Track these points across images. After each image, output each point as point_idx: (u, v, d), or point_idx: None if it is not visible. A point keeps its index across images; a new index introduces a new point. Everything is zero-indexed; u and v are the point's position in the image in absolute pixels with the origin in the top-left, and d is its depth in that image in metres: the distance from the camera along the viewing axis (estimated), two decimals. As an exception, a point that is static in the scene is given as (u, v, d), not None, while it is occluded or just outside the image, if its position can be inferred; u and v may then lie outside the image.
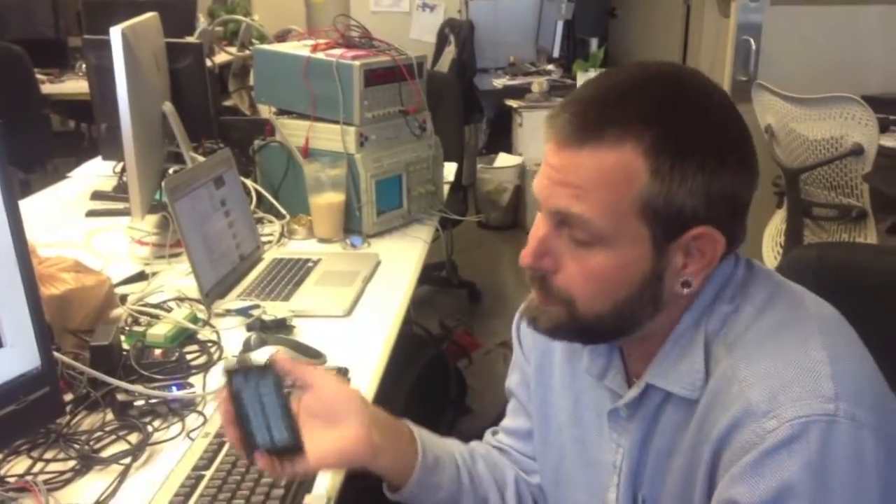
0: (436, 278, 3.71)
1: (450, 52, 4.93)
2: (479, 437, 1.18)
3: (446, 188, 2.35)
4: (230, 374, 0.91)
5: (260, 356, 1.34)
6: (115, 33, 1.69)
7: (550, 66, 5.36)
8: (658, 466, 0.90)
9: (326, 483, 1.06)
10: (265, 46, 2.13)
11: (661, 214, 0.79)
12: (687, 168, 0.78)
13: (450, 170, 2.48)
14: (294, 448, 0.89)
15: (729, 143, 0.81)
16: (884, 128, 2.78)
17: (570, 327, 0.86)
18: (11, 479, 1.04)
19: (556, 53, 5.36)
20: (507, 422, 1.15)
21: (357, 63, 1.89)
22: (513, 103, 4.77)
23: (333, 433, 0.92)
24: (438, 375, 2.28)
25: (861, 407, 0.76)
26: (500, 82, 5.06)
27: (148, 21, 1.99)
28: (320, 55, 1.96)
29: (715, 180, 0.79)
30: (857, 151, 2.52)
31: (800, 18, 3.37)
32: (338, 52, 1.97)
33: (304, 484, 1.03)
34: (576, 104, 0.81)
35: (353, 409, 0.94)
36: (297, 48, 2.04)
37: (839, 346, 0.81)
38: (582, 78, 4.72)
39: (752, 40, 3.17)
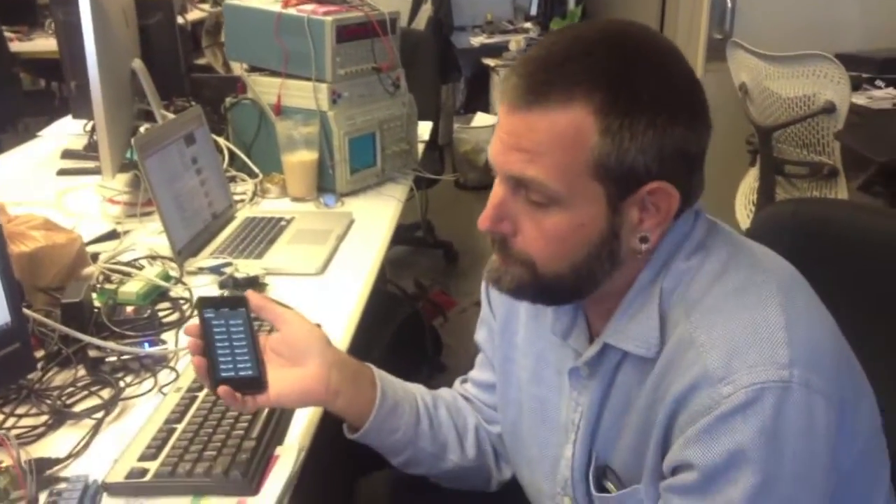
0: (412, 238, 3.71)
1: (426, 9, 4.87)
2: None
3: (421, 147, 2.34)
4: (201, 305, 0.94)
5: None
6: (82, -12, 1.66)
7: (528, 24, 5.33)
8: (613, 423, 0.91)
9: (298, 435, 1.07)
10: (236, 2, 2.09)
11: (614, 172, 0.80)
12: (637, 125, 0.78)
13: (424, 129, 2.48)
14: (257, 382, 0.93)
15: (679, 99, 0.81)
16: (856, 86, 2.81)
17: (531, 287, 0.87)
18: (-17, 434, 1.05)
19: (533, 11, 5.32)
20: (474, 373, 1.17)
21: (329, 18, 1.88)
22: (490, 62, 4.75)
23: (295, 372, 0.96)
24: (414, 334, 2.30)
25: (816, 373, 0.78)
26: (477, 41, 5.03)
27: (116, -24, 1.96)
28: (291, 11, 1.94)
29: (666, 136, 0.79)
30: (829, 109, 2.54)
31: (776, -24, 3.37)
32: (309, 7, 1.94)
33: (276, 436, 1.04)
34: (524, 66, 0.81)
35: (316, 351, 0.97)
36: (269, 3, 2.01)
37: (797, 309, 0.82)
38: (559, 36, 4.71)
39: (727, -2, 3.18)
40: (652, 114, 0.78)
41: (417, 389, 1.12)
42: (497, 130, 0.84)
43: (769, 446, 0.76)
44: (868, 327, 1.01)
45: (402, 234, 3.60)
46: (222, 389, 0.93)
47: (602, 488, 0.93)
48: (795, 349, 0.78)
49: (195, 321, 0.97)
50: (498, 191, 0.85)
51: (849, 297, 1.02)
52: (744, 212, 3.10)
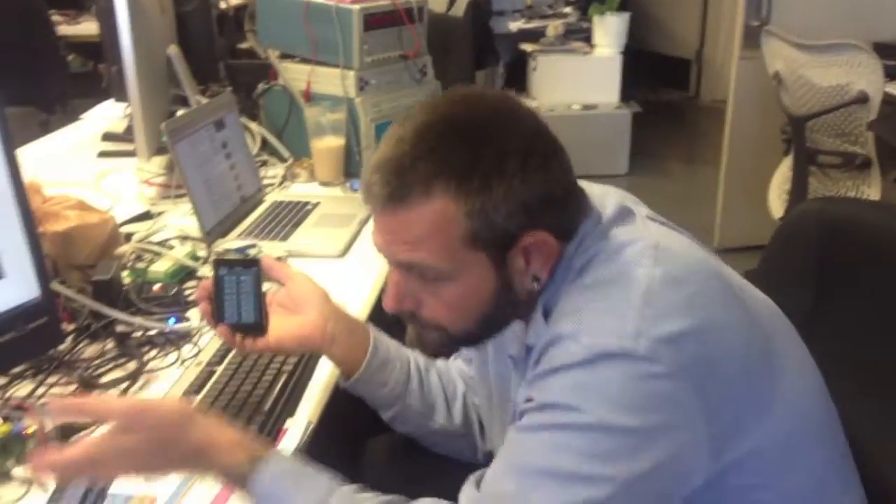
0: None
1: (466, -6, 4.89)
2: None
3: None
4: (217, 264, 1.05)
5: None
6: (118, -24, 1.73)
7: (567, 9, 5.30)
8: None
9: (308, 409, 1.12)
10: (268, -10, 2.15)
11: (488, 240, 0.87)
12: (495, 197, 0.85)
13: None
14: (257, 326, 1.05)
15: (526, 154, 0.86)
16: (893, 76, 2.76)
17: (449, 344, 0.98)
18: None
19: (572, -6, 5.29)
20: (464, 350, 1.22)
21: (356, 7, 1.92)
22: (527, 47, 4.75)
23: (295, 319, 1.07)
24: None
25: (667, 347, 0.80)
26: (515, 25, 5.01)
27: (153, -36, 2.02)
28: (321, -1, 1.99)
29: (526, 192, 0.85)
30: (863, 99, 2.51)
31: (816, -38, 3.32)
32: (339, -5, 1.99)
33: (286, 410, 1.10)
34: (379, 172, 0.87)
35: (316, 302, 1.08)
36: (299, -9, 2.06)
37: (668, 295, 0.84)
38: (598, 22, 4.69)
39: (764, -15, 3.14)
40: (505, 182, 0.85)
41: (412, 353, 1.18)
42: (375, 225, 0.91)
43: (587, 408, 0.79)
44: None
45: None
46: (220, 329, 1.05)
47: None
48: (648, 324, 0.81)
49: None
50: (394, 275, 0.93)
51: (875, 297, 1.03)
52: (777, 202, 3.08)
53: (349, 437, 1.22)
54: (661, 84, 6.39)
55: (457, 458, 1.19)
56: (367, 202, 0.90)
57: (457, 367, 1.22)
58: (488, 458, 1.16)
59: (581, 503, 0.79)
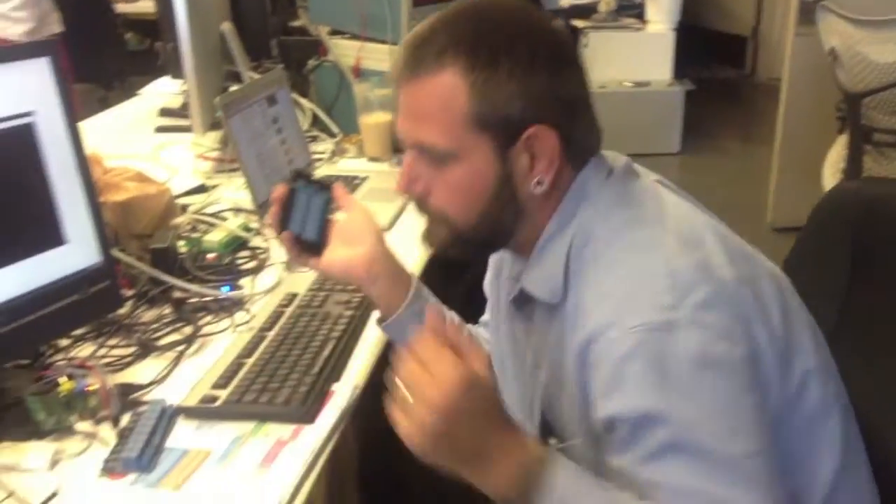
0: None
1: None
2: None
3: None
4: (296, 175, 1.11)
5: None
6: (174, -46, 1.78)
7: (620, -15, 5.23)
8: (553, 379, 0.95)
9: (354, 374, 1.17)
10: (319, -33, 2.18)
11: (491, 122, 0.89)
12: (499, 76, 0.87)
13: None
14: (315, 245, 1.09)
15: (536, 46, 0.89)
16: (954, 51, 2.68)
17: (452, 242, 0.97)
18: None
19: (625, -29, 5.22)
20: (485, 316, 1.25)
21: (406, -17, 1.94)
22: (579, 23, 4.71)
23: (346, 250, 1.10)
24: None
25: (708, 315, 0.81)
26: (566, 1, 4.97)
27: (208, -58, 2.07)
28: (371, -25, 2.01)
29: (529, 82, 0.88)
30: (922, 75, 2.45)
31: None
32: (388, -29, 2.01)
33: (334, 373, 1.14)
34: (403, 46, 0.92)
35: (369, 239, 1.11)
36: (350, -32, 2.09)
37: (690, 260, 0.85)
38: (651, -4, 4.63)
39: (822, -41, 3.06)
40: (510, 64, 0.87)
41: (449, 312, 1.21)
42: (397, 105, 0.94)
43: (668, 381, 0.79)
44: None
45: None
46: (285, 234, 1.08)
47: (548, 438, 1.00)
48: (682, 296, 0.82)
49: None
50: (407, 157, 0.95)
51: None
52: (832, 181, 3.02)
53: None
54: (717, 61, 6.29)
55: None
56: (392, 82, 0.94)
57: (483, 332, 1.24)
58: None
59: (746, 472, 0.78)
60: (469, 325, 1.24)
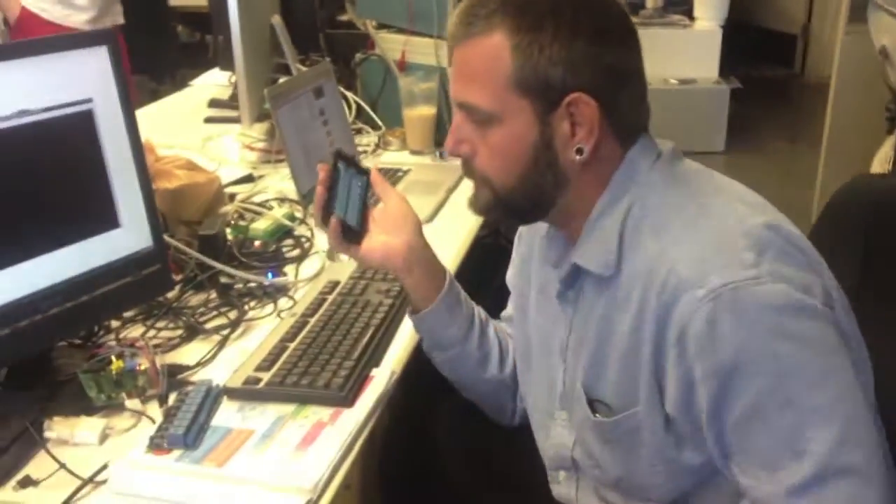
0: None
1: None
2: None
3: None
4: (337, 155, 1.14)
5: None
6: (226, -50, 1.82)
7: (669, -18, 5.19)
8: (598, 352, 0.98)
9: (392, 360, 1.19)
10: (367, -38, 2.21)
11: (533, 86, 0.91)
12: (543, 40, 0.90)
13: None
14: (355, 234, 1.11)
15: (582, 13, 0.91)
16: None
17: (494, 205, 0.99)
18: (130, 341, 1.23)
19: (673, -34, 5.17)
20: (506, 311, 1.26)
21: (453, -23, 1.96)
22: (625, 20, 4.68)
23: (383, 238, 1.12)
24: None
25: (787, 270, 0.85)
26: (613, -1, 4.94)
27: (259, -63, 2.11)
28: (419, -31, 2.03)
29: (572, 48, 0.90)
30: (975, 76, 2.40)
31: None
32: (436, -34, 2.03)
33: (373, 359, 1.17)
34: (460, 6, 0.95)
35: (407, 230, 1.13)
36: (399, -37, 2.12)
37: (761, 220, 0.89)
38: (698, -7, 4.58)
39: (875, -45, 3.00)
40: (553, 28, 0.90)
41: (477, 307, 1.23)
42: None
43: (761, 334, 0.83)
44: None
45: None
46: (333, 220, 1.10)
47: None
48: (761, 252, 0.85)
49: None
50: (456, 118, 0.98)
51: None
52: (880, 182, 2.98)
53: (425, 393, 1.28)
54: (765, 60, 6.20)
55: (493, 418, 1.24)
56: (449, 42, 0.97)
57: (506, 328, 1.26)
58: (522, 417, 1.20)
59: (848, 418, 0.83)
60: (495, 321, 1.26)
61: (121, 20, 3.21)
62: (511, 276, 1.22)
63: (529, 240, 1.15)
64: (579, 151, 0.93)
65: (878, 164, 2.96)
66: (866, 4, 2.85)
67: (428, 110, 2.02)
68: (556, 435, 1.07)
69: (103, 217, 1.14)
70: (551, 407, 1.07)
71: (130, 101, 1.14)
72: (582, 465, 1.05)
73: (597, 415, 0.99)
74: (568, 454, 1.06)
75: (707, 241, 0.88)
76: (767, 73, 6.17)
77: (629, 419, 0.95)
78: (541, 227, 1.09)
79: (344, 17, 3.97)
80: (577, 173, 0.95)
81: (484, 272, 2.33)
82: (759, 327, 0.83)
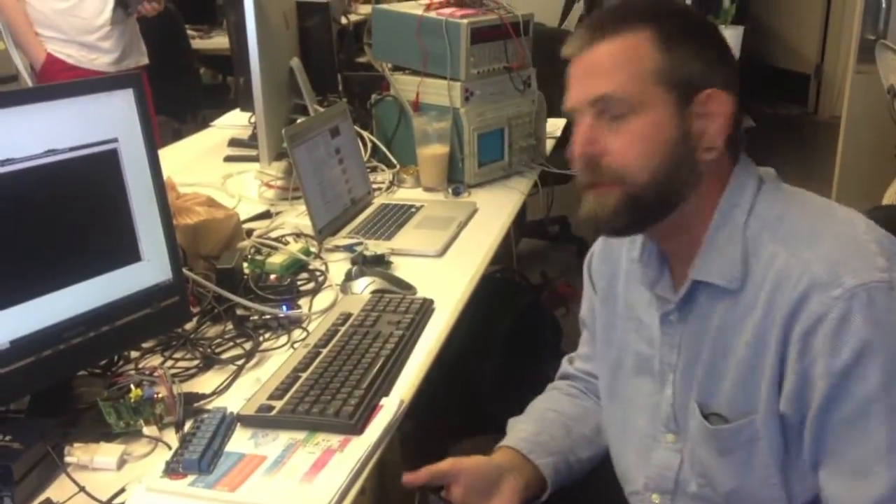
0: (546, 232, 3.81)
1: (578, 8, 4.95)
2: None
3: (551, 143, 2.45)
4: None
5: (359, 286, 1.53)
6: (248, -5, 1.89)
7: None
8: (713, 365, 1.00)
9: (401, 390, 1.23)
10: (383, 6, 2.29)
11: (674, 80, 0.96)
12: (682, 42, 0.97)
13: (557, 125, 2.58)
14: None
15: (704, 28, 1.01)
16: None
17: (623, 206, 0.98)
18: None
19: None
20: (580, 349, 1.31)
21: (465, 21, 2.02)
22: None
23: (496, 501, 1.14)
24: (535, 321, 2.41)
25: None
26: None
27: (280, -17, 2.19)
28: (432, 14, 2.10)
29: (705, 45, 0.98)
30: (983, 114, 2.43)
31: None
32: (448, 10, 2.10)
33: (383, 388, 1.20)
34: (588, 20, 1.03)
35: (498, 483, 1.15)
36: (413, 7, 2.19)
37: (879, 231, 0.95)
38: (712, 35, 4.64)
39: (883, -3, 3.06)
40: (689, 35, 0.98)
41: (543, 413, 1.27)
42: (571, 84, 1.00)
43: (888, 337, 0.86)
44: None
45: (536, 229, 3.70)
46: None
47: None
48: (890, 259, 0.90)
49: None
50: (583, 123, 0.99)
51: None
52: (892, 219, 2.99)
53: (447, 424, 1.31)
54: (778, 98, 6.24)
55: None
56: (569, 51, 1.00)
57: (563, 386, 1.31)
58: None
59: None
60: (553, 393, 1.31)
61: (145, 60, 3.28)
62: (588, 311, 1.26)
63: (609, 270, 1.18)
64: (709, 149, 0.98)
65: (889, 198, 2.98)
66: (874, 45, 2.90)
67: (441, 149, 2.08)
68: (658, 458, 1.09)
69: (126, 251, 1.19)
70: (654, 430, 1.09)
71: (154, 141, 1.20)
72: (685, 486, 1.06)
73: (713, 425, 1.01)
74: (672, 476, 1.07)
75: (840, 244, 0.92)
76: (781, 111, 6.21)
77: (747, 427, 0.97)
78: (619, 254, 1.14)
79: (362, 60, 4.08)
80: (702, 176, 0.99)
81: (498, 305, 2.38)
82: (888, 330, 0.86)
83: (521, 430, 1.23)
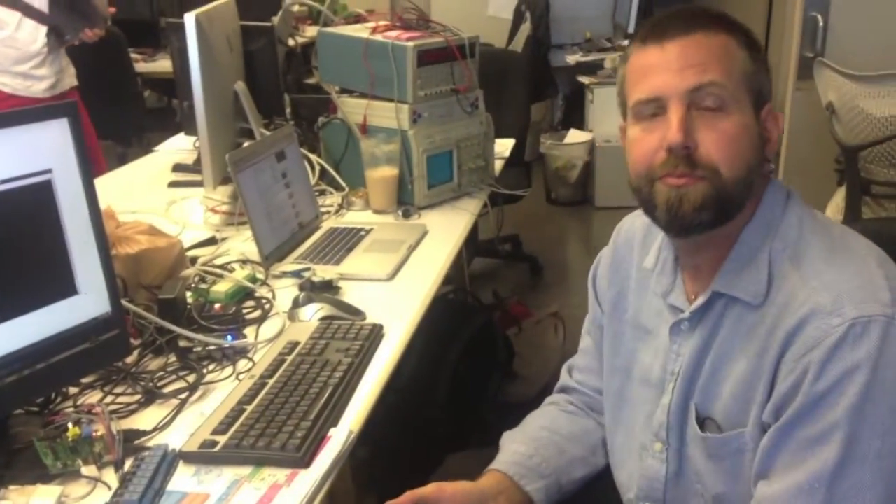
0: (497, 251, 3.82)
1: (525, 28, 5.00)
2: (526, 401, 1.33)
3: (500, 164, 2.46)
4: None
5: (307, 313, 1.51)
6: (189, 19, 1.86)
7: (626, 42, 5.35)
8: (714, 373, 1.02)
9: (350, 419, 1.20)
10: (329, 29, 2.27)
11: (754, 88, 0.99)
12: (758, 54, 1.01)
13: (505, 146, 2.59)
14: None
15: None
16: (949, 106, 2.74)
17: (712, 198, 0.97)
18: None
19: (631, 29, 5.34)
20: (581, 360, 1.31)
21: (411, 44, 2.02)
22: (584, 80, 4.81)
23: None
24: (487, 341, 2.40)
25: None
26: (573, 59, 5.09)
27: (223, 6, 2.17)
28: (378, 37, 2.09)
29: (764, 64, 1.01)
30: (918, 129, 2.50)
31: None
32: (394, 33, 2.10)
33: (330, 419, 1.18)
34: (670, 12, 1.01)
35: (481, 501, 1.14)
36: (359, 31, 2.18)
37: (891, 266, 0.97)
38: (656, 54, 4.72)
39: (819, 16, 3.14)
40: (759, 50, 1.02)
41: (534, 433, 1.26)
42: (654, 69, 0.98)
43: (874, 373, 0.87)
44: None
45: (489, 248, 3.71)
46: None
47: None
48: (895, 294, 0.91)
49: None
50: (676, 115, 0.96)
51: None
52: (834, 232, 3.06)
53: (427, 450, 1.28)
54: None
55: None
56: (646, 41, 0.99)
57: (561, 400, 1.30)
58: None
59: None
60: (547, 408, 1.31)
61: (75, 81, 3.25)
62: (594, 321, 1.26)
63: (619, 279, 1.19)
64: (767, 160, 1.00)
65: (831, 213, 3.05)
66: (813, 63, 2.97)
67: (390, 171, 2.06)
68: (647, 467, 1.10)
69: (61, 284, 1.15)
70: (645, 438, 1.10)
71: (90, 170, 1.16)
72: (673, 494, 1.07)
73: (706, 432, 1.03)
74: (660, 486, 1.09)
75: (849, 275, 0.93)
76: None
77: (736, 439, 0.99)
78: (629, 264, 1.16)
79: (311, 81, 4.06)
80: (755, 188, 1.01)
81: (450, 327, 2.36)
82: (876, 363, 0.87)
83: (512, 452, 1.22)
